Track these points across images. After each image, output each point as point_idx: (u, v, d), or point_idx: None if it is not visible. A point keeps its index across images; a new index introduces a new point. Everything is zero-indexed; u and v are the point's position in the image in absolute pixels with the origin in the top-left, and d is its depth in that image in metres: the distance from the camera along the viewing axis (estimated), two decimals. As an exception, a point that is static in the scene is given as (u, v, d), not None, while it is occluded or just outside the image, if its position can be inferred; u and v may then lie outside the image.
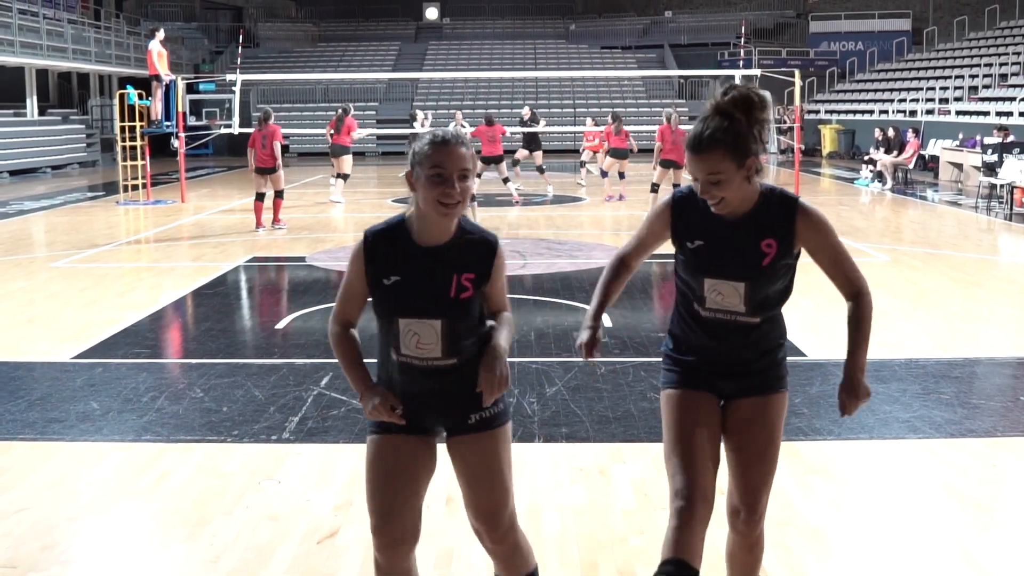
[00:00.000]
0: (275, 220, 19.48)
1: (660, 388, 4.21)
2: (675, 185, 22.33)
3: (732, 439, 4.14)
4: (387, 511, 3.96)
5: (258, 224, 19.23)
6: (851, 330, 4.44)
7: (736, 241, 3.99)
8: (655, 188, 21.10)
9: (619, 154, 24.44)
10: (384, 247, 3.91)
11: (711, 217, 3.96)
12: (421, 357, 3.90)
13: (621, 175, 24.62)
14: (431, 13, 27.59)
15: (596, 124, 29.11)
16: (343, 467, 6.59)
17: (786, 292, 4.29)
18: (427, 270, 3.84)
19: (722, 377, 4.14)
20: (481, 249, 3.91)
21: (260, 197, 19.52)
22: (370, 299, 3.99)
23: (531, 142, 26.79)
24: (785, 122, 38.65)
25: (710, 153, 3.76)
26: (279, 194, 19.70)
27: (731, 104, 3.79)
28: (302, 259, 15.41)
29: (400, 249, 3.88)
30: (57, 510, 5.88)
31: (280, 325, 10.82)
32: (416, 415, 4.00)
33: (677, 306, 4.21)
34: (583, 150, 30.42)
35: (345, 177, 24.24)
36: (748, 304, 4.08)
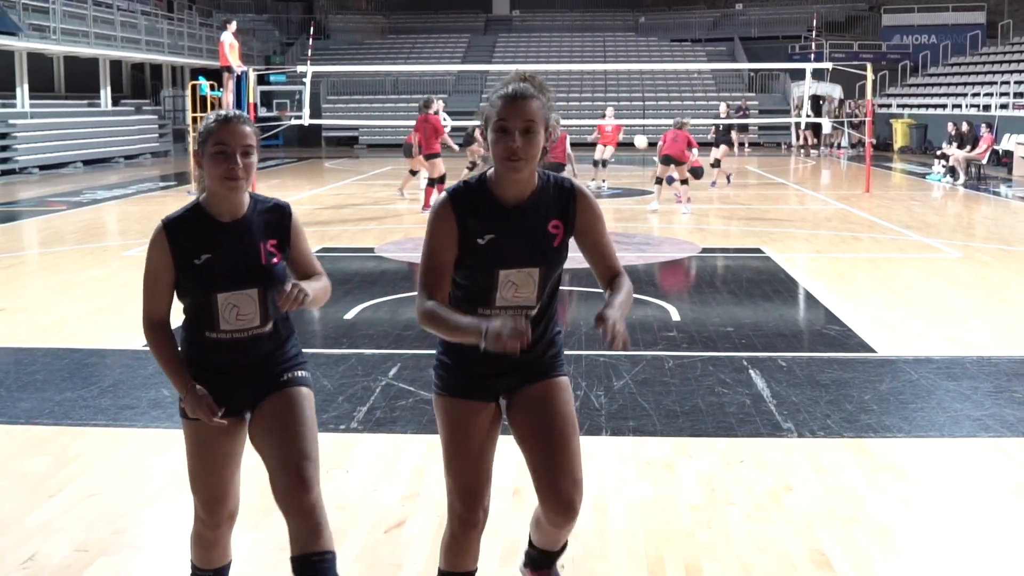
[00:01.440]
0: (425, 205, 20.45)
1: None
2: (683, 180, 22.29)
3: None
4: (216, 496, 4.32)
5: (427, 206, 20.23)
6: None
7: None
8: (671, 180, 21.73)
9: (673, 160, 21.73)
10: (186, 230, 3.98)
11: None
12: (242, 328, 4.04)
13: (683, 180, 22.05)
14: (640, 142, 26.56)
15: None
16: (410, 457, 6.62)
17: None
18: (234, 243, 3.97)
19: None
20: (276, 215, 4.09)
21: (431, 183, 20.60)
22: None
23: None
24: (856, 116, 38.34)
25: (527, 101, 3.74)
26: (432, 181, 20.59)
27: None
28: (371, 250, 15.48)
29: (203, 228, 3.98)
30: (128, 496, 5.96)
31: (349, 316, 10.87)
32: (228, 395, 4.13)
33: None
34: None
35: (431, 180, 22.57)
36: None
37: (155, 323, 4.18)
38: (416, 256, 14.64)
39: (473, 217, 3.82)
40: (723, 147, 26.10)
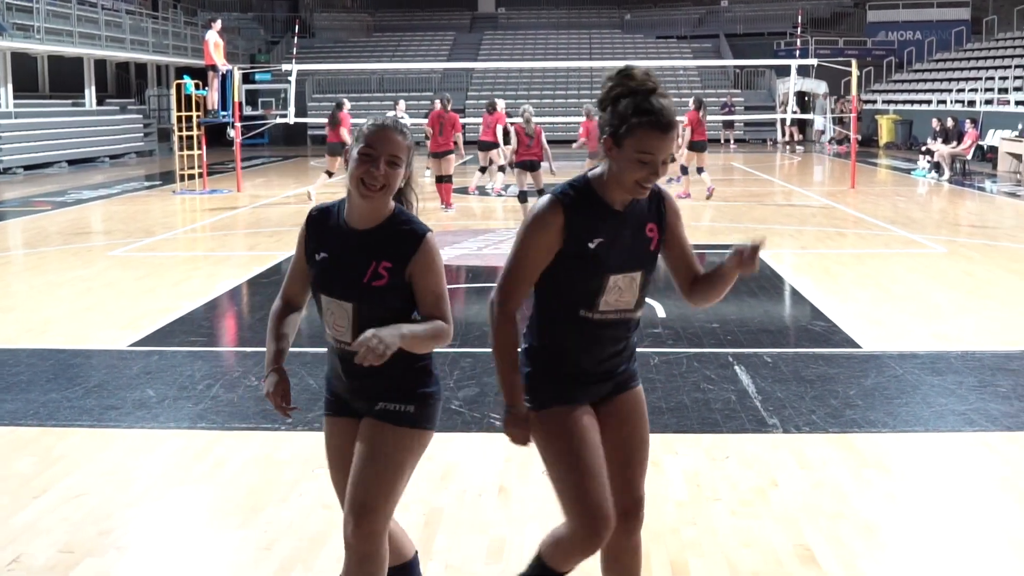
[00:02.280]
0: (446, 203, 20.50)
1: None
2: (699, 169, 22.37)
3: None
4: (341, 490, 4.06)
5: (447, 203, 20.54)
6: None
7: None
8: (685, 170, 22.30)
9: (699, 147, 22.49)
10: (321, 223, 4.01)
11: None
12: (337, 339, 3.93)
13: (700, 170, 22.62)
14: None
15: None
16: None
17: None
18: (349, 251, 3.86)
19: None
20: (407, 240, 3.86)
21: (439, 179, 20.79)
22: None
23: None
24: (842, 112, 38.41)
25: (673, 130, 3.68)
26: (446, 179, 20.75)
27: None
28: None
29: (332, 227, 3.95)
30: (113, 496, 5.94)
31: (334, 314, 10.84)
32: (351, 397, 4.00)
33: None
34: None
35: (329, 174, 22.54)
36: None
37: (284, 299, 4.20)
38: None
39: (582, 220, 3.69)
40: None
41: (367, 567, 3.89)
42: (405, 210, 3.96)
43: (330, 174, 22.53)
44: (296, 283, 4.13)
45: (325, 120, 23.25)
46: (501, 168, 23.57)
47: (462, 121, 23.31)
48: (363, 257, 3.82)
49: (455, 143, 20.88)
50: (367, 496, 3.82)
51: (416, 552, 4.30)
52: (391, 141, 3.78)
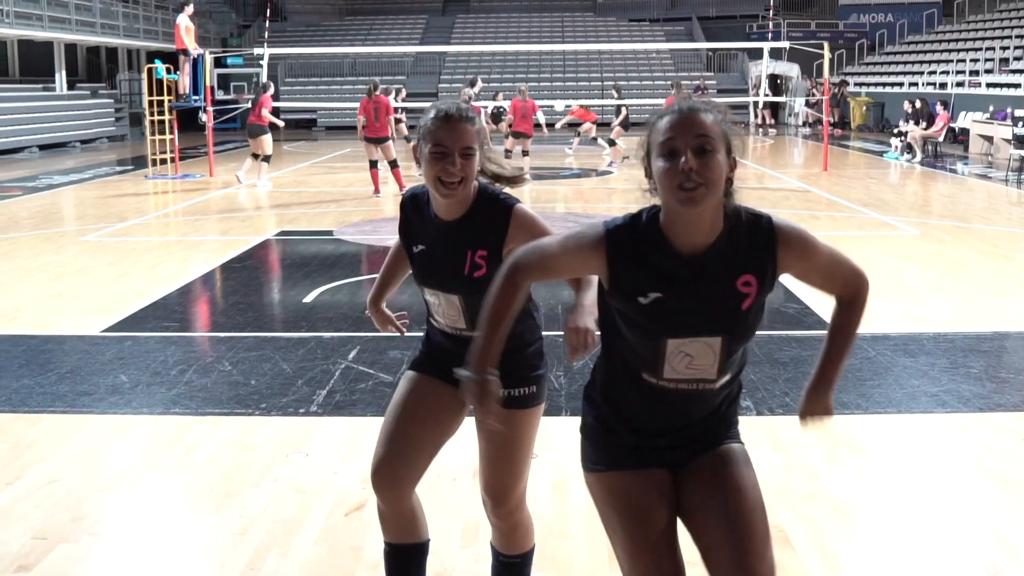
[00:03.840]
0: (401, 187, 20.17)
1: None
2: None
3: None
4: (397, 451, 4.04)
5: (376, 190, 20.30)
6: (838, 330, 3.52)
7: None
8: None
9: None
10: (415, 212, 3.92)
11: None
12: (450, 326, 3.92)
13: None
14: None
15: (620, 95, 28.39)
16: (370, 440, 6.57)
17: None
18: (444, 244, 3.79)
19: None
20: (495, 221, 3.75)
21: (373, 164, 20.50)
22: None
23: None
24: (814, 95, 38.50)
25: (706, 114, 3.05)
26: (394, 163, 20.54)
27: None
28: (329, 233, 15.43)
29: (424, 219, 3.87)
30: (86, 482, 5.92)
31: (308, 299, 10.84)
32: (452, 368, 3.65)
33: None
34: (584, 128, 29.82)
35: (266, 158, 22.49)
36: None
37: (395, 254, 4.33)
38: (374, 239, 14.65)
39: (635, 268, 3.07)
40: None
41: (516, 537, 4.16)
42: (489, 186, 3.83)
43: (256, 156, 22.44)
44: (398, 262, 4.27)
45: (297, 104, 23.31)
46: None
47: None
48: (459, 248, 3.75)
49: (389, 127, 20.72)
50: (506, 481, 4.00)
51: (428, 540, 4.23)
52: (461, 132, 3.64)
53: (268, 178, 22.66)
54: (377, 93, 20.41)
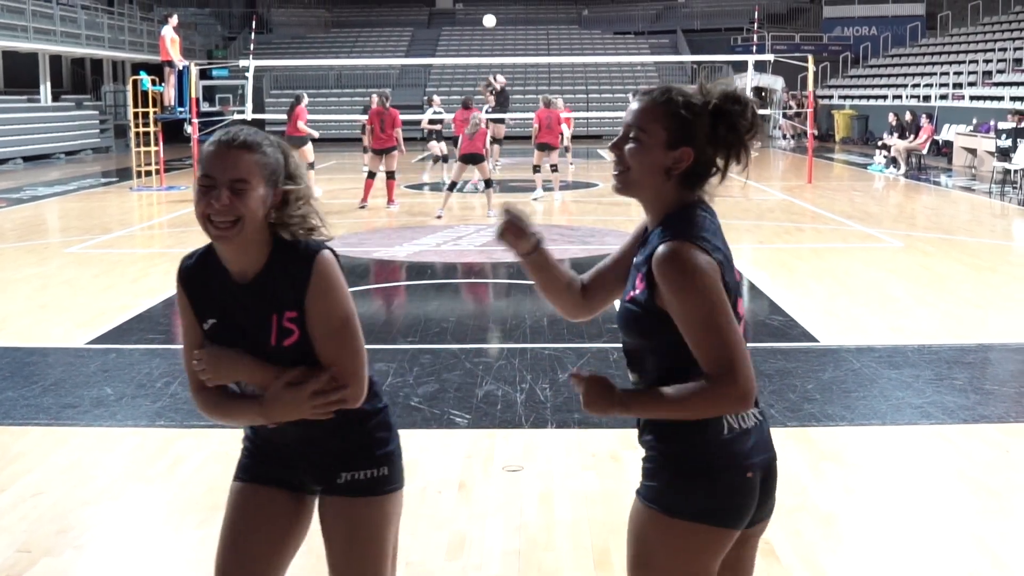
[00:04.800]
0: (389, 200, 20.29)
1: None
2: None
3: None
4: (230, 572, 3.34)
5: (363, 200, 20.19)
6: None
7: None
8: None
9: None
10: (198, 279, 3.20)
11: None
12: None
13: None
14: (488, 21, 28.38)
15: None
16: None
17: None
18: (242, 312, 3.11)
19: None
20: (298, 270, 3.10)
21: (371, 175, 20.44)
22: None
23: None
24: (791, 107, 38.62)
25: (643, 103, 3.02)
26: (391, 175, 20.43)
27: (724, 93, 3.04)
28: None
29: (215, 283, 3.16)
30: (72, 494, 5.91)
31: (293, 311, 10.81)
32: (286, 465, 3.30)
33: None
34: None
35: (310, 165, 22.51)
36: None
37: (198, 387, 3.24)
38: (360, 251, 14.64)
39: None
40: None
41: None
42: (287, 238, 3.13)
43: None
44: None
45: (284, 116, 23.30)
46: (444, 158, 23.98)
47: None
48: (261, 314, 3.08)
49: (397, 139, 20.71)
50: None
51: None
52: (231, 161, 2.99)
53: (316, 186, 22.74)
54: (375, 105, 20.40)
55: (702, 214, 3.02)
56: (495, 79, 25.53)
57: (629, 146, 2.99)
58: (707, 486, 2.95)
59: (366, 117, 21.02)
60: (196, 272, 3.19)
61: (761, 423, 3.15)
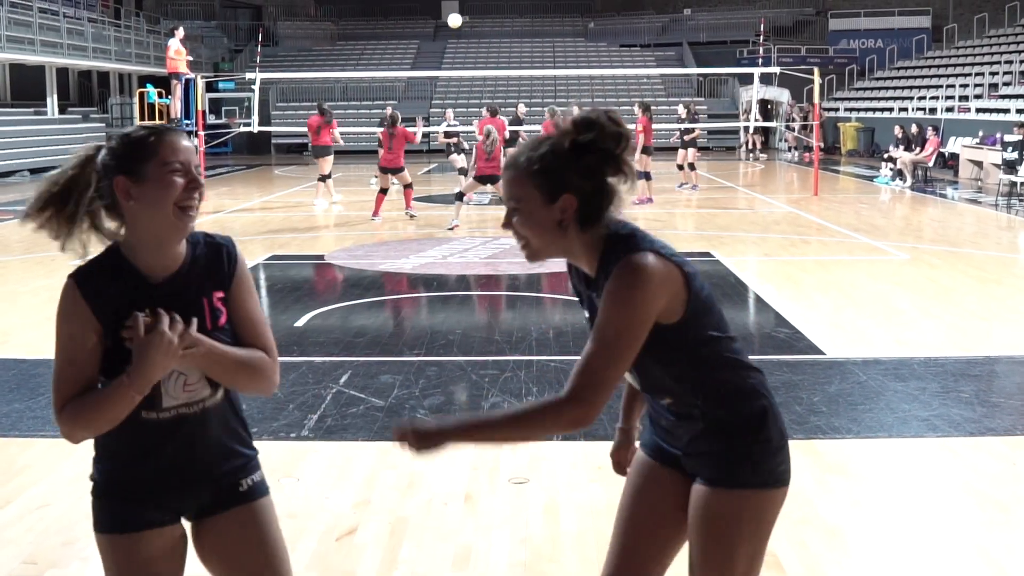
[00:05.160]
0: (407, 205, 20.64)
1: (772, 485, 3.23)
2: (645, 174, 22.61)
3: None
4: None
5: (375, 213, 20.18)
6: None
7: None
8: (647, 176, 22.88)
9: (647, 151, 23.17)
10: (104, 286, 3.02)
11: None
12: (192, 401, 3.08)
13: (648, 175, 23.24)
14: (454, 20, 28.55)
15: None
16: (362, 465, 6.61)
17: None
18: (171, 302, 3.00)
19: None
20: (220, 257, 3.14)
21: (384, 191, 20.61)
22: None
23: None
24: (795, 119, 38.64)
25: (507, 178, 3.08)
26: (408, 186, 20.76)
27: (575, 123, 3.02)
28: (321, 257, 15.44)
29: (129, 286, 3.02)
30: (77, 507, 5.90)
31: (299, 323, 10.84)
32: (170, 495, 3.16)
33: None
34: None
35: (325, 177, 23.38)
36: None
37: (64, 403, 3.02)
38: (366, 263, 14.65)
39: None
40: (691, 150, 26.32)
41: None
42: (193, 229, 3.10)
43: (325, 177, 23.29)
44: (89, 368, 3.01)
45: (291, 128, 23.51)
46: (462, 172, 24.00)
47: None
48: (192, 300, 3.06)
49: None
50: None
51: None
52: (189, 147, 3.02)
53: (323, 198, 23.37)
54: (395, 125, 20.56)
55: (629, 233, 3.06)
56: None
57: (515, 219, 3.05)
58: (766, 450, 3.18)
59: (382, 130, 21.03)
60: (101, 279, 3.03)
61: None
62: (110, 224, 3.07)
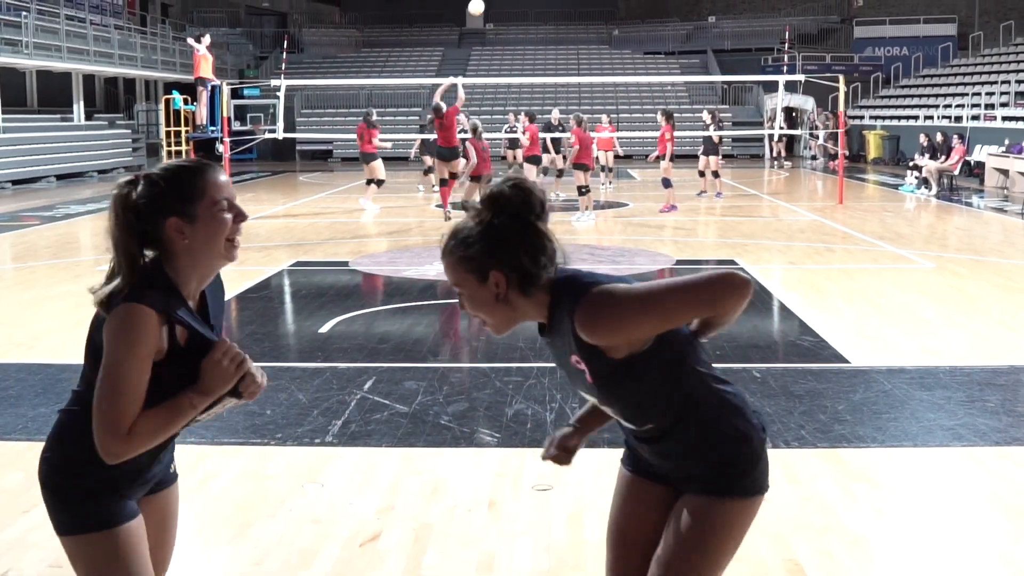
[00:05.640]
0: (445, 203, 21.00)
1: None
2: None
3: None
4: None
5: (446, 205, 20.66)
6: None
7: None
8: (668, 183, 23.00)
9: (670, 158, 23.41)
10: (170, 309, 3.12)
11: None
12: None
13: (668, 182, 23.30)
14: (475, 7, 29.03)
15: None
16: (385, 471, 6.62)
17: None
18: (203, 326, 3.23)
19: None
20: (219, 284, 3.39)
21: (443, 182, 21.23)
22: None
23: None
24: (817, 127, 38.54)
25: (445, 266, 3.20)
26: (453, 176, 21.46)
27: (482, 203, 3.14)
28: (345, 263, 15.47)
29: (179, 306, 3.15)
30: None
31: (324, 329, 10.86)
32: (146, 484, 3.39)
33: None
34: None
35: (379, 182, 24.25)
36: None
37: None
38: (390, 269, 14.68)
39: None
40: (715, 157, 26.29)
41: None
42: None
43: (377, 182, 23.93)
44: (144, 390, 3.09)
45: (313, 135, 23.77)
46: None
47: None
48: (213, 326, 3.32)
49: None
50: None
51: None
52: (228, 182, 3.21)
53: (371, 201, 23.74)
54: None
55: (569, 276, 3.15)
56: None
57: (465, 304, 3.18)
58: (748, 459, 3.22)
59: (418, 137, 21.55)
60: (167, 302, 3.12)
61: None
62: (147, 252, 3.18)
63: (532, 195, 3.10)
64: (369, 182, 24.03)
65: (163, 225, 3.09)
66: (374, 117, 24.88)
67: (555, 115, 28.85)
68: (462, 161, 21.22)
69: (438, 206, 20.49)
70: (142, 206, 3.10)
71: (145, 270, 3.12)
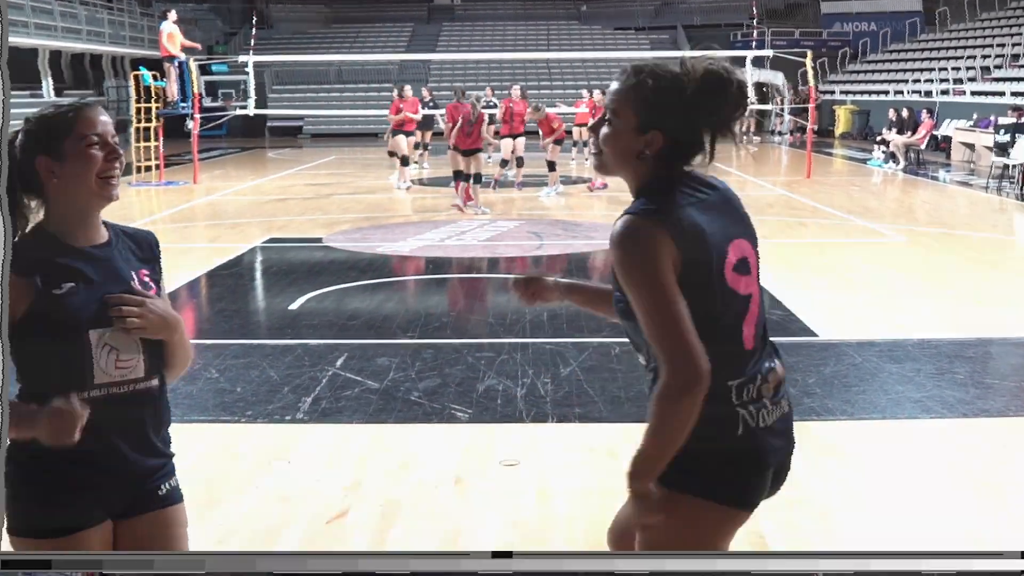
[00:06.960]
0: (474, 200, 19.36)
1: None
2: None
3: None
4: None
5: (466, 201, 18.94)
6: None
7: None
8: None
9: None
10: (37, 253, 3.01)
11: None
12: (123, 380, 3.04)
13: None
14: None
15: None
16: (354, 447, 6.62)
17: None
18: (103, 270, 3.05)
19: None
20: (146, 240, 3.25)
21: (458, 176, 19.66)
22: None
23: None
24: (780, 102, 38.61)
25: (618, 85, 3.07)
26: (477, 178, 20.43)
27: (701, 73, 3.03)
28: (318, 240, 15.41)
29: (58, 254, 3.03)
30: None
31: (294, 306, 10.83)
32: (95, 489, 3.10)
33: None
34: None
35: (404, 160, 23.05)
36: None
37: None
38: (363, 246, 14.64)
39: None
40: None
41: None
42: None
43: (392, 155, 23.37)
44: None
45: (285, 111, 23.49)
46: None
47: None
48: (122, 270, 3.09)
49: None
50: None
51: None
52: (106, 120, 3.10)
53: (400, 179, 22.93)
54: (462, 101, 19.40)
55: (679, 187, 3.02)
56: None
57: (604, 131, 3.02)
58: (718, 466, 3.00)
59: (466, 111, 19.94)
60: (32, 251, 3.03)
61: (786, 414, 3.26)
62: (30, 202, 3.10)
63: (745, 103, 3.07)
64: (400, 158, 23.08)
65: (34, 166, 3.03)
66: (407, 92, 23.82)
67: (515, 92, 28.61)
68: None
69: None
70: (17, 149, 3.08)
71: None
